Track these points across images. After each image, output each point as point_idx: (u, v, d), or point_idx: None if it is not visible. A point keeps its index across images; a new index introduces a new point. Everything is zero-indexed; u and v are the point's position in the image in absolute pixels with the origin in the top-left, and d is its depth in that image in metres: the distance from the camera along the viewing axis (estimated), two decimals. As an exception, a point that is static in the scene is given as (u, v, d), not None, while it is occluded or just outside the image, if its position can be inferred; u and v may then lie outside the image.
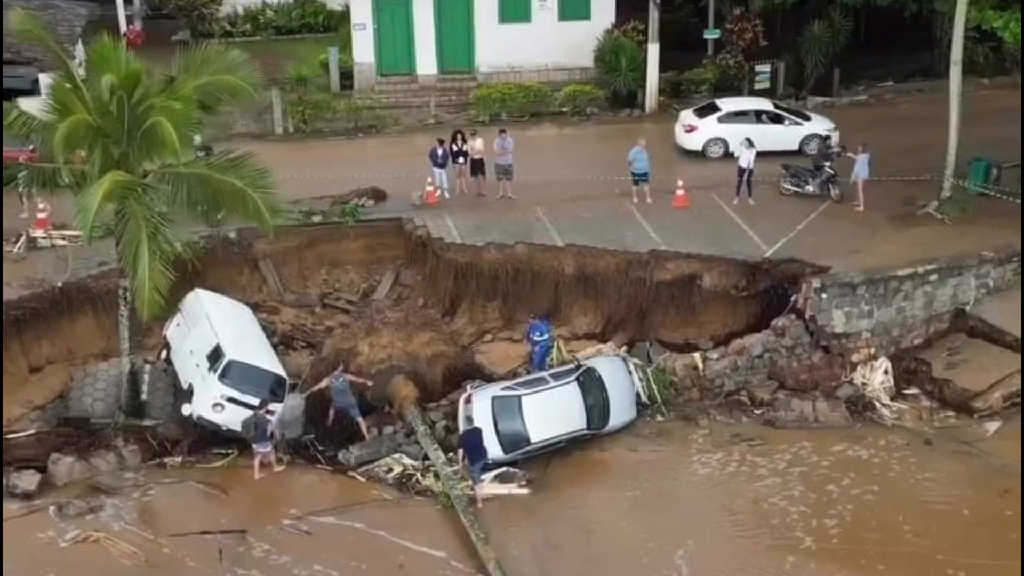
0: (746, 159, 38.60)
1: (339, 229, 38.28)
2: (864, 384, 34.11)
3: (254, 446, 30.18)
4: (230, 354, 31.02)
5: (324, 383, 32.02)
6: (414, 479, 30.39)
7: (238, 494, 29.84)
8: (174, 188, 28.86)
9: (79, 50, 40.68)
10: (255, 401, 30.47)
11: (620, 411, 32.17)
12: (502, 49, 48.96)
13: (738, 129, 41.55)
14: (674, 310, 36.08)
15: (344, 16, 51.83)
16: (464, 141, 39.74)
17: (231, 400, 30.65)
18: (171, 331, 33.32)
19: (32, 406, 32.58)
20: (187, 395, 31.45)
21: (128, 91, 27.83)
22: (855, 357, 34.54)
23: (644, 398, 33.20)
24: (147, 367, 32.01)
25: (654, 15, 46.89)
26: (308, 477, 30.82)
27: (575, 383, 31.86)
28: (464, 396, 31.82)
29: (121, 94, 27.72)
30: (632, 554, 27.79)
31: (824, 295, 34.05)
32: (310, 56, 50.71)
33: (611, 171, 39.74)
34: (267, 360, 32.10)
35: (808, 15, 49.53)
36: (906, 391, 34.26)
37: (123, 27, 53.20)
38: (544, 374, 32.75)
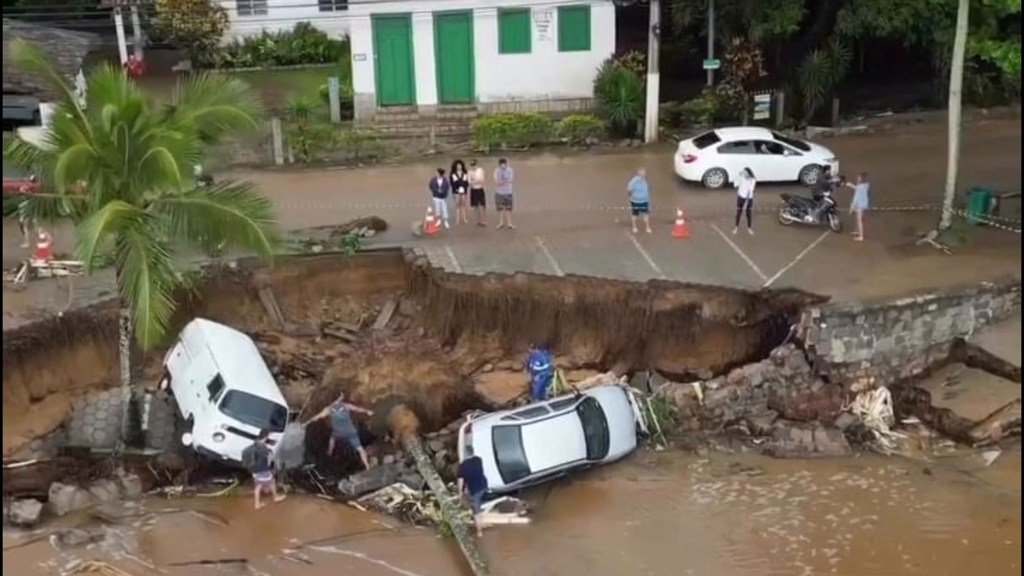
0: (746, 189, 38.68)
1: (339, 259, 38.36)
2: (863, 414, 34.05)
3: (255, 475, 30.15)
4: (231, 384, 31.06)
5: (324, 413, 32.03)
6: (414, 508, 30.34)
7: (238, 523, 29.78)
8: (175, 218, 28.93)
9: (80, 80, 40.70)
10: (256, 431, 30.47)
11: (620, 441, 32.14)
12: (502, 79, 49.07)
13: (738, 159, 41.66)
14: (674, 340, 36.09)
15: (344, 46, 51.95)
16: (464, 171, 39.86)
17: (232, 430, 30.64)
18: (172, 361, 33.35)
19: (33, 435, 32.57)
20: (188, 425, 31.44)
21: (129, 121, 27.92)
22: (854, 387, 34.49)
23: (644, 428, 33.12)
24: (148, 397, 32.02)
25: (654, 45, 47.04)
26: (308, 507, 30.76)
27: (575, 413, 31.85)
28: (464, 426, 31.81)
29: (122, 124, 27.79)
30: (632, 584, 27.80)
31: (823, 325, 34.05)
32: (310, 86, 50.87)
33: (611, 201, 39.79)
34: (268, 390, 32.13)
35: (807, 45, 49.62)
36: (905, 421, 34.18)
37: (124, 57, 53.46)
38: (544, 404, 32.73)
